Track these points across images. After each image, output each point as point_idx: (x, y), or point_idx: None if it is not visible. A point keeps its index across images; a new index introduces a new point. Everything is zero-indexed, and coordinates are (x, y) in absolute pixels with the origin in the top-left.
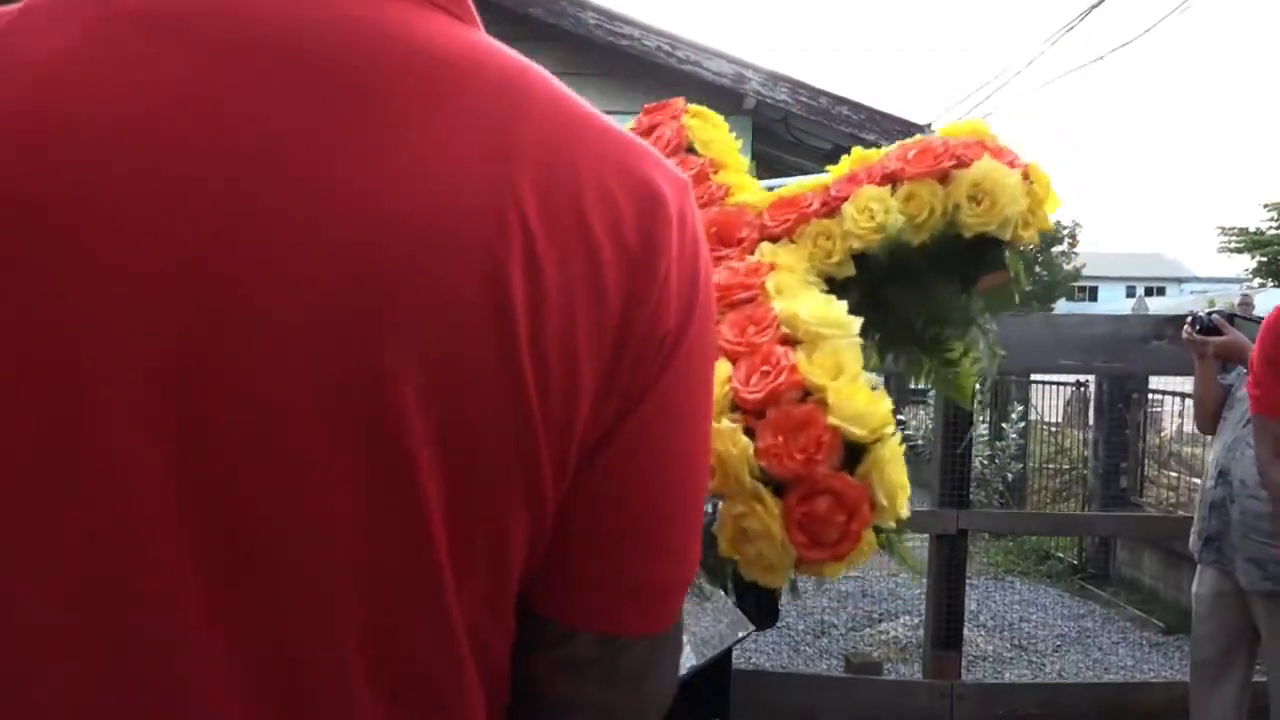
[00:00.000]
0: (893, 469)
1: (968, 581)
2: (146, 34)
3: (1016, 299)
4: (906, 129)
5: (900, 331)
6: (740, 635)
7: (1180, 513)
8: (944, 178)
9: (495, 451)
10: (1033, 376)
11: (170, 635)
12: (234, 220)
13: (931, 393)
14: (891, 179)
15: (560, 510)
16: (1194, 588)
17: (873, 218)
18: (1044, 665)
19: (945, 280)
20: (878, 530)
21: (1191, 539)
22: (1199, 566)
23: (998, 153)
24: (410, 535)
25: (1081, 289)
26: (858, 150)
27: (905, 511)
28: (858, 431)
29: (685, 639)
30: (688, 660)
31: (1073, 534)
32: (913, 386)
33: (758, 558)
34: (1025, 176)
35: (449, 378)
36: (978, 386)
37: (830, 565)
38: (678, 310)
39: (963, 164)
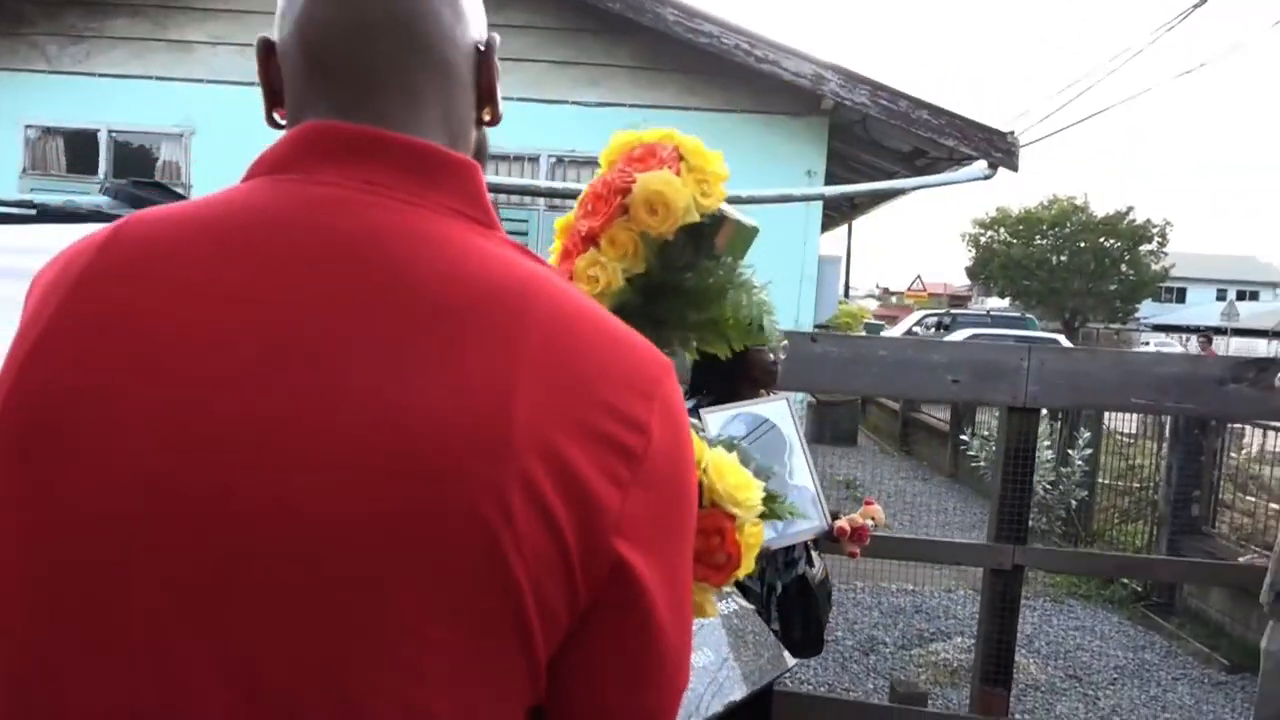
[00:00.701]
0: (722, 483)
1: (1025, 603)
2: (217, 253)
3: (754, 226)
4: (988, 135)
5: (680, 328)
6: (787, 668)
7: (1253, 548)
8: (624, 210)
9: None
10: None
11: None
12: (286, 435)
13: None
14: (591, 239)
15: (564, 660)
16: (1264, 643)
17: (598, 280)
18: (1098, 698)
19: (691, 270)
20: (762, 516)
21: (1264, 591)
22: (1270, 622)
23: (646, 157)
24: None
25: (1169, 290)
26: (557, 221)
27: (757, 498)
28: None
29: (730, 672)
30: (731, 693)
31: (1134, 576)
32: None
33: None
34: (680, 159)
35: (451, 572)
36: (1044, 411)
37: (742, 569)
38: (645, 539)
39: (626, 190)
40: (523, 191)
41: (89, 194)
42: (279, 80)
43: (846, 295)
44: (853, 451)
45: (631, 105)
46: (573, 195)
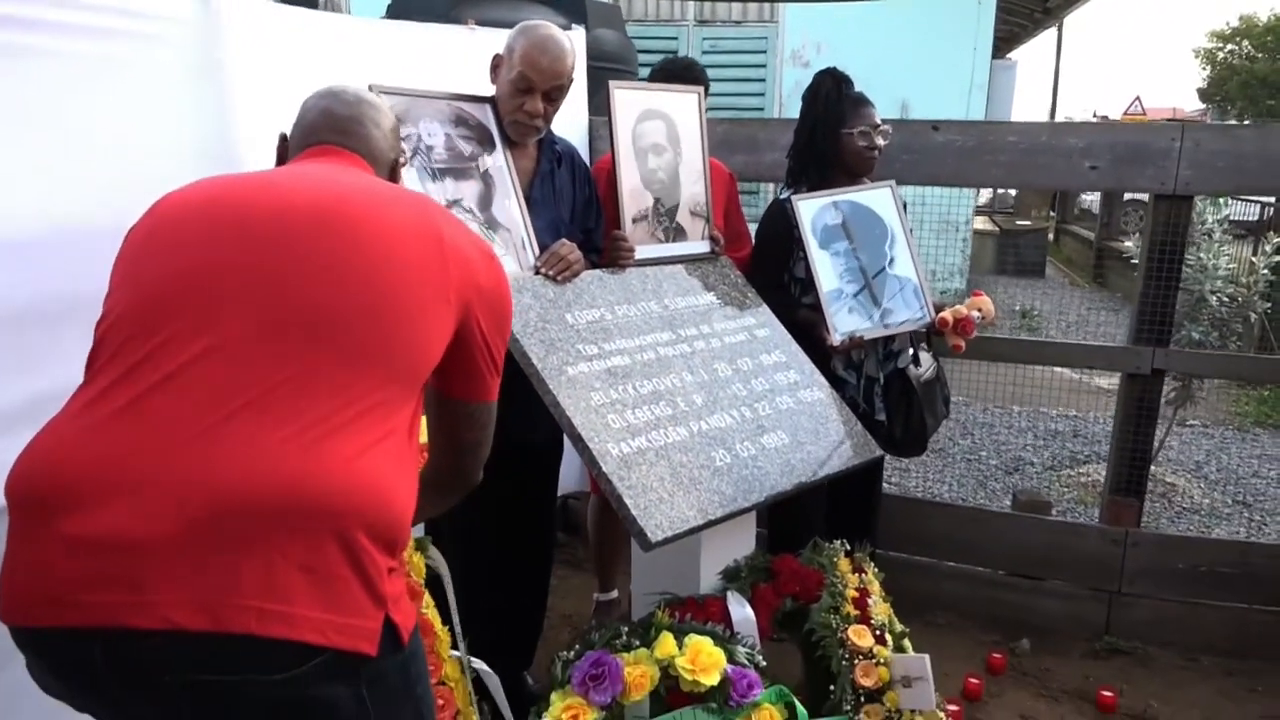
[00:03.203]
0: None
1: (1201, 430)
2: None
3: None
4: None
5: None
6: (872, 457)
7: None
8: None
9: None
10: None
11: None
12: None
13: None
14: None
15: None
16: None
17: None
18: (1265, 525)
19: None
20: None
21: None
22: None
23: None
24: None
25: None
26: None
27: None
28: None
29: (804, 455)
30: (802, 475)
31: None
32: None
33: None
34: None
35: (421, 270)
36: (1216, 219)
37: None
38: (488, 286)
39: None
40: None
41: None
42: (285, 156)
43: (1052, 120)
44: (1038, 283)
45: None
46: None
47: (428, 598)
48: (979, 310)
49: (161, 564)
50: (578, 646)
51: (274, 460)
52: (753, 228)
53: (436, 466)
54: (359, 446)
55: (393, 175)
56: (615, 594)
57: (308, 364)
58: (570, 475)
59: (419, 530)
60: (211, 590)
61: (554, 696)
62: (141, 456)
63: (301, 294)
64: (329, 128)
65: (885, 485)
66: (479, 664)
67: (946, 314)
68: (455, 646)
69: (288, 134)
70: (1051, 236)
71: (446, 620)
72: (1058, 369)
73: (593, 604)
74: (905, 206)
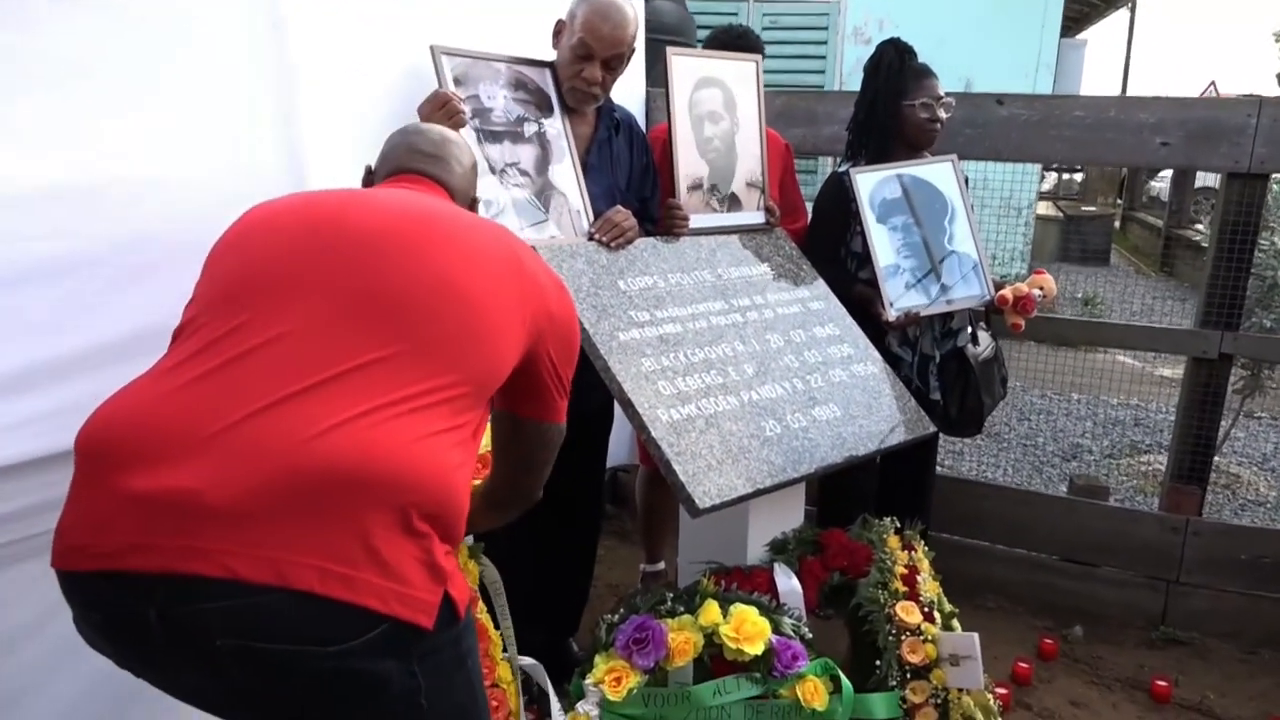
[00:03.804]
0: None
1: (1271, 422)
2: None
3: None
4: None
5: None
6: (925, 434)
7: None
8: None
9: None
10: None
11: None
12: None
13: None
14: None
15: (522, 371)
16: None
17: None
18: None
19: None
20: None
21: None
22: None
23: None
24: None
25: None
26: None
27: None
28: None
29: (855, 429)
30: (855, 449)
31: None
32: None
33: None
34: None
35: (503, 297)
36: None
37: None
38: (559, 315)
39: None
40: None
41: None
42: (371, 185)
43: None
44: (1102, 270)
45: None
46: None
47: (481, 603)
48: (1040, 288)
49: (225, 521)
50: (622, 610)
51: (341, 434)
52: (811, 206)
53: (498, 483)
54: (424, 432)
55: (472, 207)
56: (662, 565)
57: (384, 354)
58: (620, 448)
59: (469, 539)
60: (274, 547)
61: (597, 659)
62: (213, 421)
63: (383, 290)
64: (415, 158)
65: (938, 468)
66: (526, 661)
67: (1006, 291)
68: (506, 649)
69: (372, 165)
70: (1118, 224)
71: (498, 625)
72: (1119, 357)
73: (639, 575)
74: (967, 183)
